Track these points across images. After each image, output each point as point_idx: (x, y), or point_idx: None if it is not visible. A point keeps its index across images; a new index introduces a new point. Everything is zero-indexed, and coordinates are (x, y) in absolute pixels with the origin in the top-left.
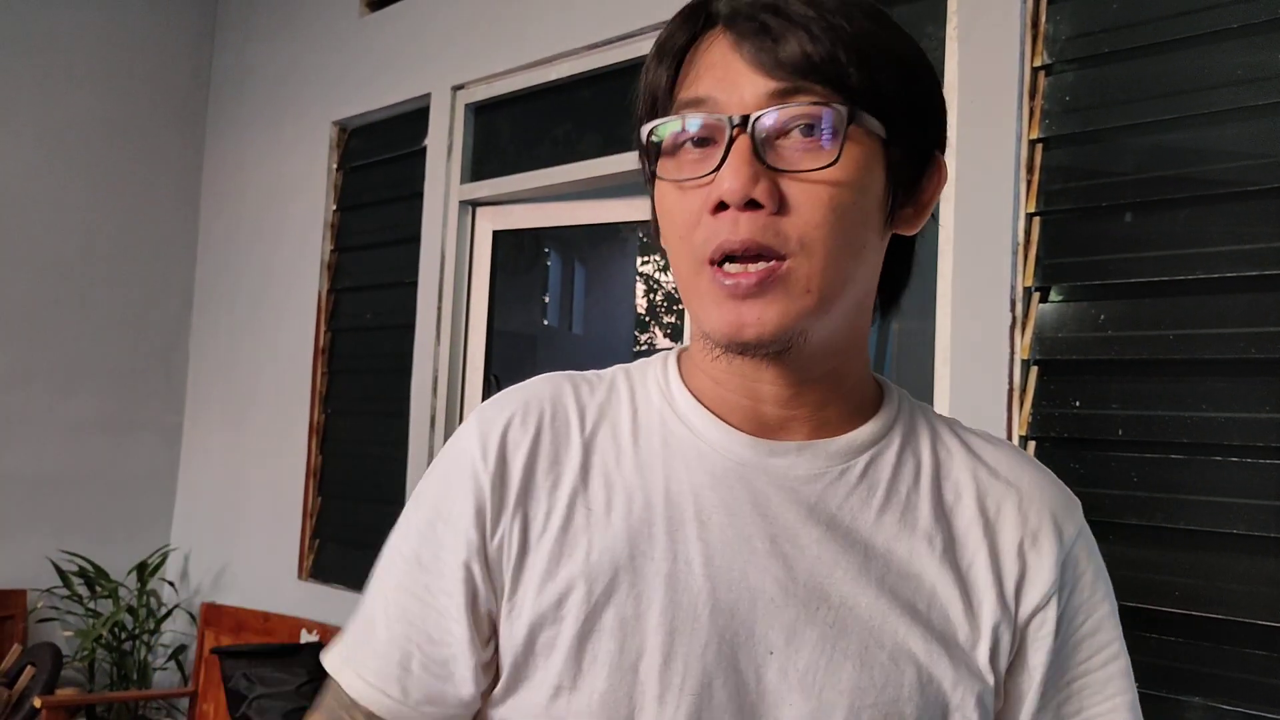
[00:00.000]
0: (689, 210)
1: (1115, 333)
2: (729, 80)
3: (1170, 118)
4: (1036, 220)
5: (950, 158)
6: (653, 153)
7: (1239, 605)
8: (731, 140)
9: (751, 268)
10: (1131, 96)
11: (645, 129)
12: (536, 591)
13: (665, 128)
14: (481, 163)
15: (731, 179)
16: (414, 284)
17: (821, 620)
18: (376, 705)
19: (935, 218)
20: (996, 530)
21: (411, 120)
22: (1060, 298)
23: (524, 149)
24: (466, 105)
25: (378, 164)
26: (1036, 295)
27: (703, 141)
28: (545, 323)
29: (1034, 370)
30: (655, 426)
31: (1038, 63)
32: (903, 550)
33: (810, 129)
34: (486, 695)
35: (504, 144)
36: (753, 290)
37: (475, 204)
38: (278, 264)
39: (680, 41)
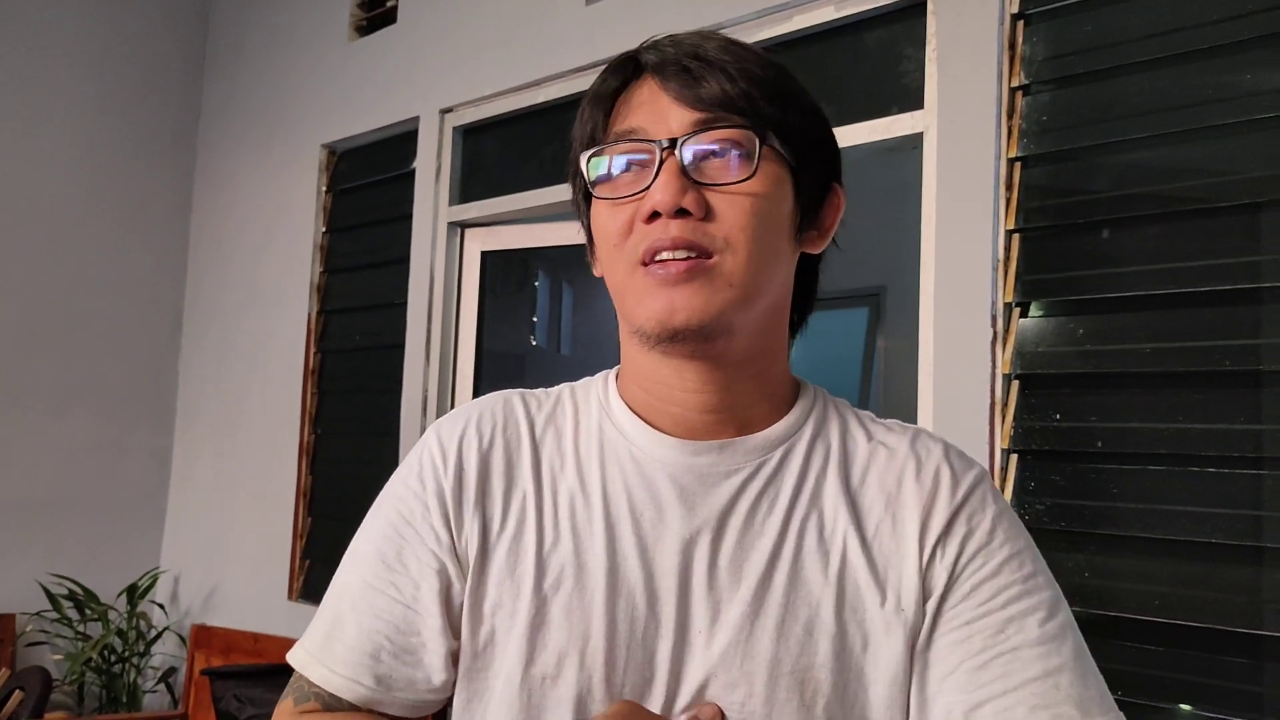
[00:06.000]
0: (621, 221)
1: (1093, 347)
2: (658, 114)
3: (1143, 136)
4: (1016, 237)
5: (930, 177)
6: (588, 181)
7: (1218, 613)
8: (662, 161)
9: (681, 256)
10: (1106, 116)
11: (585, 155)
12: (495, 587)
13: (602, 155)
14: (469, 184)
15: (662, 191)
16: (403, 305)
17: (741, 600)
18: (351, 694)
19: (836, 243)
20: (899, 501)
21: (400, 143)
22: (1040, 313)
23: (512, 170)
24: (455, 128)
25: (367, 186)
26: (1017, 310)
27: (634, 166)
28: (533, 343)
29: (1015, 384)
30: (594, 434)
31: (1015, 83)
32: (813, 530)
33: (729, 150)
34: (452, 684)
35: (492, 166)
36: (682, 276)
37: (464, 225)
38: (267, 286)
39: (613, 87)
